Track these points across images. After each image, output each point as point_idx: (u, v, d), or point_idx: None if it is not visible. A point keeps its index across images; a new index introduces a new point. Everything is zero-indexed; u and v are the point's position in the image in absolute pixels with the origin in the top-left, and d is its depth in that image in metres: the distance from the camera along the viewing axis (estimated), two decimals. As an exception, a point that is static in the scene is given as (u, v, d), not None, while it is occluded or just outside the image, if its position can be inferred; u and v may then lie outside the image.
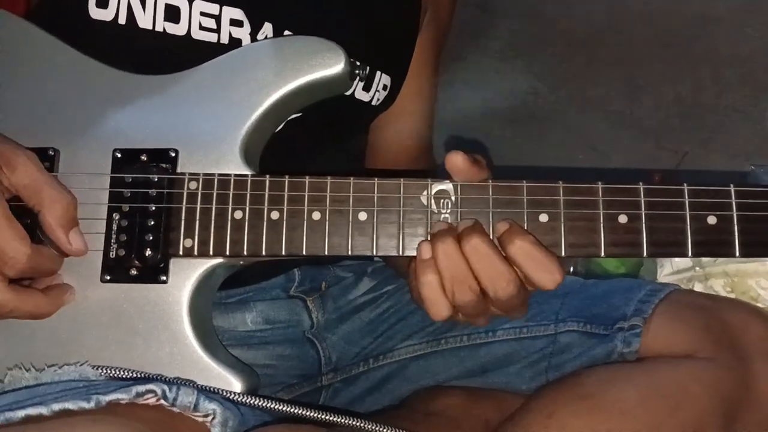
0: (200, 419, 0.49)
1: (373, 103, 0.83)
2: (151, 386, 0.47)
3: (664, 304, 0.76)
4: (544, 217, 0.60)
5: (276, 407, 0.55)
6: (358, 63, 0.68)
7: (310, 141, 0.79)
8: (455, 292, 0.58)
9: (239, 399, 0.53)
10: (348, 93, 0.80)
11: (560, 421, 0.69)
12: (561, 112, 1.60)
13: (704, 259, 1.01)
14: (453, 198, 0.61)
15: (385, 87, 0.84)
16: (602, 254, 0.59)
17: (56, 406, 0.45)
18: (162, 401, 0.48)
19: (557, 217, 0.60)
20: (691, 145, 1.38)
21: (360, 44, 0.67)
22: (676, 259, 1.01)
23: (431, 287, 0.58)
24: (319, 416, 0.54)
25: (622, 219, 0.59)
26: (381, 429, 0.59)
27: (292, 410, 0.54)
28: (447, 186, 0.61)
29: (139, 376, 0.58)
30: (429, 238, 0.60)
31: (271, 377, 0.79)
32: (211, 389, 0.52)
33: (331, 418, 0.56)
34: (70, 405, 0.45)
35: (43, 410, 0.44)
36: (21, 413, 0.44)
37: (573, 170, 1.47)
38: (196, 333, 0.63)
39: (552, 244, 0.59)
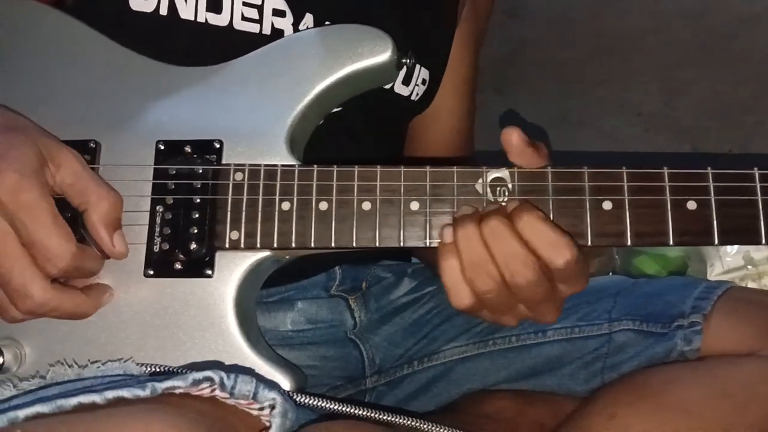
0: (255, 412, 0.47)
1: (413, 97, 0.81)
2: (208, 373, 0.45)
3: (722, 301, 0.73)
4: (607, 205, 0.57)
5: (333, 407, 0.52)
6: (404, 51, 0.66)
7: (350, 137, 0.77)
8: (474, 279, 0.55)
9: (298, 398, 0.51)
10: (387, 87, 0.78)
11: (623, 421, 0.66)
12: (594, 115, 1.57)
13: (756, 257, 0.97)
14: (510, 185, 0.58)
15: (424, 81, 0.82)
16: (671, 243, 0.56)
17: (110, 394, 0.42)
18: (218, 391, 0.45)
19: (622, 205, 0.57)
20: (729, 146, 1.34)
21: (399, 36, 0.65)
22: (728, 259, 0.98)
23: (451, 272, 0.56)
24: (379, 417, 0.51)
25: (691, 205, 0.56)
26: (439, 430, 0.56)
27: (350, 410, 0.51)
28: (503, 173, 0.59)
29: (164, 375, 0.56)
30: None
31: (315, 378, 0.76)
32: (269, 381, 0.49)
33: (389, 419, 0.53)
34: (125, 393, 0.42)
35: (96, 398, 0.42)
36: (73, 401, 0.42)
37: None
38: (243, 329, 0.61)
39: (617, 234, 0.56)
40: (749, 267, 0.97)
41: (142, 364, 0.56)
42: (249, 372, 0.48)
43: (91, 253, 0.58)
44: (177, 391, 0.45)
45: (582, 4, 1.58)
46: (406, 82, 0.79)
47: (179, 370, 0.55)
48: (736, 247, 0.99)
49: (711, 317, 0.71)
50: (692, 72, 1.50)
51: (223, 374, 0.45)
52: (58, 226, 0.55)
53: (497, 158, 0.60)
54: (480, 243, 0.55)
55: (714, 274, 1.00)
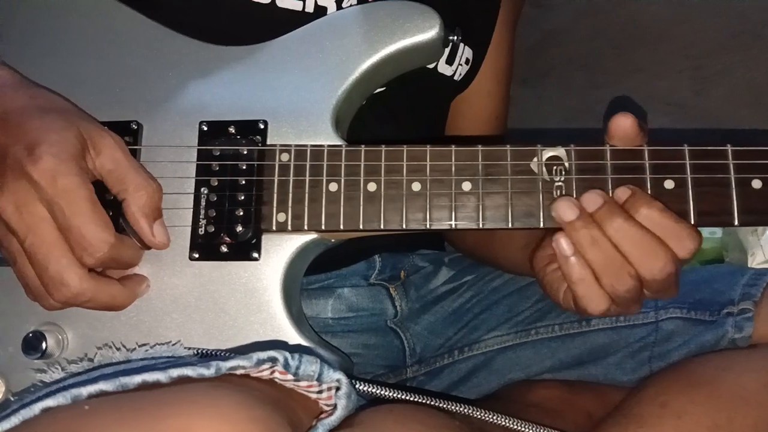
0: (314, 395, 0.45)
1: (455, 77, 0.80)
2: (273, 353, 0.43)
3: None
4: (669, 184, 0.55)
5: (390, 394, 0.50)
6: (451, 28, 0.64)
7: (392, 117, 0.76)
8: (613, 283, 0.53)
9: (362, 388, 0.49)
10: (431, 67, 0.77)
11: (676, 410, 0.64)
12: (622, 106, 1.54)
13: (801, 247, 0.94)
14: (566, 164, 0.57)
15: (467, 61, 0.80)
16: (736, 222, 0.54)
17: (174, 373, 0.41)
18: (277, 372, 0.43)
19: (684, 183, 0.55)
20: (765, 137, 1.32)
21: (445, 13, 0.63)
22: (771, 247, 0.95)
23: (584, 283, 0.53)
24: (437, 403, 0.50)
25: (756, 184, 0.54)
26: (494, 417, 0.55)
27: (409, 397, 0.49)
28: (559, 151, 0.57)
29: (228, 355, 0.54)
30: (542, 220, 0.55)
31: (357, 367, 0.75)
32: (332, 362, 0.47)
33: (447, 406, 0.51)
34: (189, 371, 0.41)
35: (160, 376, 0.41)
36: (137, 378, 0.40)
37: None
38: (289, 314, 0.59)
39: (679, 214, 0.54)
40: (793, 255, 0.95)
41: (191, 348, 0.55)
42: (311, 352, 0.46)
43: (129, 244, 0.57)
44: (238, 372, 0.43)
45: (609, -7, 1.56)
46: (450, 61, 0.77)
47: (225, 353, 0.54)
48: (779, 235, 0.96)
49: (761, 304, 0.69)
50: (724, 60, 1.47)
51: (287, 354, 0.44)
52: (97, 214, 0.53)
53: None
54: (610, 246, 0.52)
55: (756, 263, 0.98)
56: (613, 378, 0.75)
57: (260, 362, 0.43)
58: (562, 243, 0.54)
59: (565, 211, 0.54)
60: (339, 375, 0.44)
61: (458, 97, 0.86)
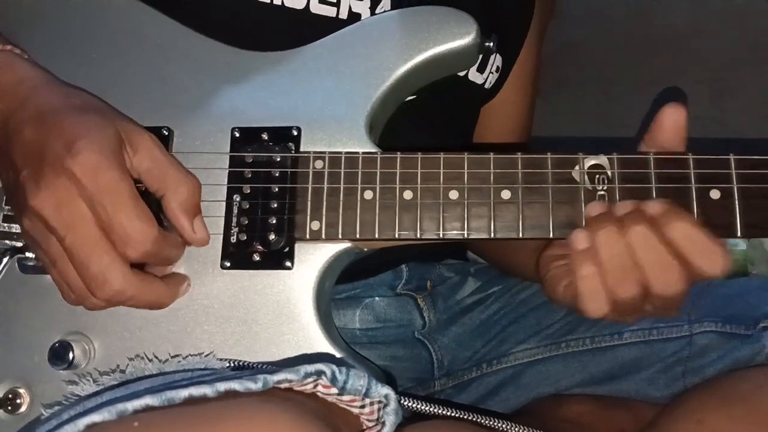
0: (356, 410, 0.44)
1: (486, 85, 0.79)
2: (320, 367, 0.41)
3: None
4: (715, 194, 0.54)
5: (432, 409, 0.49)
6: (487, 34, 0.63)
7: (424, 124, 0.75)
8: (618, 287, 0.52)
9: (407, 403, 0.47)
10: (462, 74, 0.76)
11: (713, 426, 0.62)
12: (638, 118, 1.53)
13: (830, 261, 0.93)
14: (609, 173, 0.55)
15: (498, 69, 0.79)
16: (785, 233, 0.53)
17: (222, 387, 0.39)
18: (321, 386, 0.42)
19: (730, 193, 0.53)
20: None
21: (479, 20, 0.62)
22: (800, 261, 0.94)
23: (591, 280, 0.52)
24: (481, 420, 0.48)
25: (806, 194, 0.53)
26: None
27: (452, 413, 0.48)
28: (602, 160, 0.56)
29: (266, 368, 0.53)
30: (583, 224, 0.54)
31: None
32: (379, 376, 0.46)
33: (490, 423, 0.50)
34: (236, 385, 0.39)
35: (207, 390, 0.39)
36: (184, 393, 0.39)
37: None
38: (322, 324, 0.58)
39: (726, 225, 0.53)
40: (823, 269, 0.93)
41: (223, 359, 0.53)
42: (356, 366, 0.45)
43: (172, 239, 0.56)
44: (284, 385, 0.42)
45: (625, 5, 1.55)
46: (481, 69, 0.76)
47: (264, 366, 0.52)
48: (807, 248, 0.95)
49: None
50: (741, 73, 1.46)
51: (335, 368, 0.42)
52: (140, 209, 0.52)
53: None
54: (624, 249, 0.51)
55: (785, 276, 0.96)
56: (646, 393, 0.73)
57: (307, 375, 0.41)
58: (580, 236, 0.52)
59: (594, 207, 0.54)
60: (387, 390, 0.43)
61: (484, 106, 0.85)
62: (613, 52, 1.56)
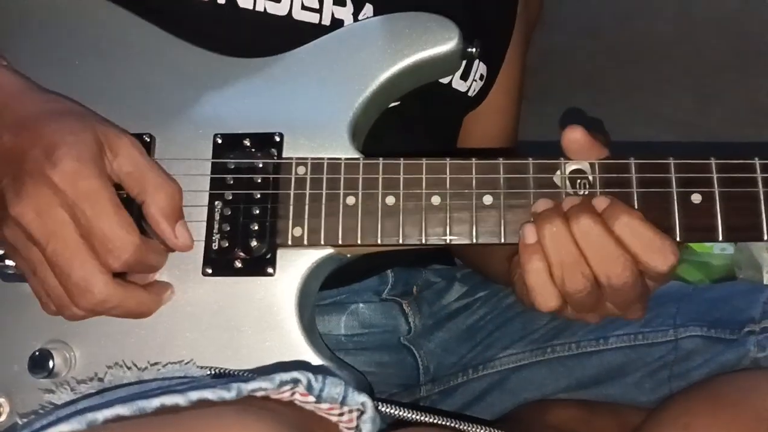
0: (335, 418, 0.43)
1: (470, 93, 0.79)
2: (296, 375, 0.41)
3: None
4: (696, 198, 0.54)
5: (413, 416, 0.48)
6: (469, 40, 0.63)
7: (407, 131, 0.74)
8: (565, 280, 0.52)
9: (384, 409, 0.47)
10: (445, 82, 0.76)
11: (699, 431, 0.62)
12: (625, 125, 1.54)
13: (815, 265, 0.93)
14: (590, 178, 0.55)
15: (481, 77, 0.79)
16: (765, 237, 0.53)
17: (194, 396, 0.39)
18: (298, 394, 0.41)
19: (712, 197, 0.53)
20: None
21: (462, 26, 0.62)
22: (785, 265, 0.94)
23: (538, 274, 0.53)
24: (462, 427, 0.48)
25: (786, 197, 0.53)
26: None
27: (433, 420, 0.48)
28: (583, 165, 0.56)
29: (241, 376, 0.53)
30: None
31: (371, 385, 0.73)
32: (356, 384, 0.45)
33: (470, 429, 0.50)
34: (209, 394, 0.39)
35: (179, 399, 0.39)
36: (155, 402, 0.38)
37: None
38: (305, 331, 0.57)
39: (707, 228, 0.53)
40: (808, 273, 0.94)
41: (204, 367, 0.53)
42: (332, 373, 0.44)
43: (154, 246, 0.55)
44: (259, 394, 0.41)
45: (611, 13, 1.56)
46: (464, 77, 0.77)
47: (243, 374, 0.52)
48: (792, 252, 0.96)
49: None
50: (726, 79, 1.48)
51: (311, 376, 0.42)
52: (121, 216, 0.52)
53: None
54: (571, 242, 0.51)
55: (770, 280, 0.97)
56: (632, 398, 0.73)
57: (282, 383, 0.41)
58: (527, 230, 0.53)
59: (542, 202, 0.54)
60: (364, 398, 0.42)
61: (470, 114, 0.85)
62: (600, 59, 1.57)
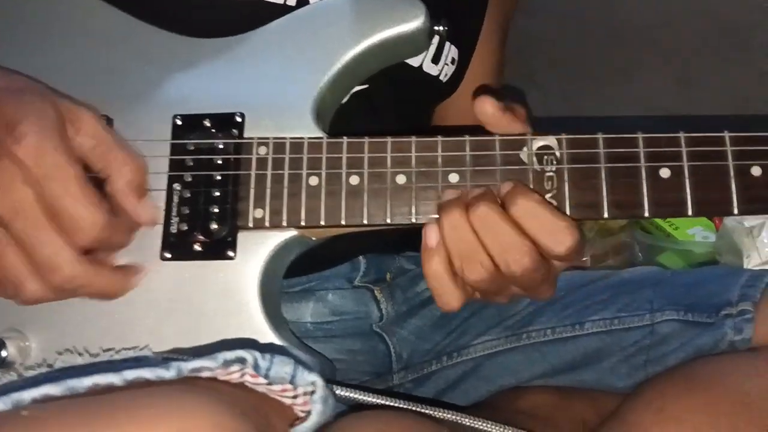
0: (289, 401, 0.42)
1: (441, 77, 0.77)
2: (241, 353, 0.39)
3: None
4: (665, 172, 0.52)
5: (373, 400, 0.47)
6: (437, 18, 0.62)
7: (376, 116, 0.73)
8: (464, 270, 0.51)
9: (334, 389, 0.46)
10: (416, 65, 0.74)
11: (674, 415, 0.61)
12: (608, 111, 1.53)
13: (796, 249, 0.93)
14: (557, 154, 0.54)
15: (453, 60, 0.78)
16: (735, 211, 0.52)
17: (130, 375, 0.37)
18: (248, 375, 0.40)
19: (681, 172, 0.52)
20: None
21: (429, 5, 0.61)
22: (766, 249, 0.93)
23: (437, 278, 0.52)
24: (421, 409, 0.47)
25: (756, 171, 0.52)
26: (483, 424, 0.51)
27: (393, 403, 0.46)
28: (550, 141, 0.54)
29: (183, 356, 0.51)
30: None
31: (340, 373, 0.71)
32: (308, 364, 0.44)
33: (432, 412, 0.48)
34: (146, 373, 0.37)
35: (114, 379, 0.37)
36: (87, 381, 0.37)
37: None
38: (268, 315, 0.56)
39: (677, 203, 0.52)
40: (789, 257, 0.93)
41: (159, 353, 0.51)
42: (285, 352, 0.43)
43: (121, 223, 0.54)
44: (204, 374, 0.40)
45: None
46: (435, 60, 0.75)
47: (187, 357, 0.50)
48: (773, 236, 0.95)
49: (761, 306, 0.67)
50: (708, 64, 1.47)
51: (257, 354, 0.40)
52: (87, 192, 0.50)
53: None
54: (469, 231, 0.50)
55: (752, 265, 0.96)
56: (608, 383, 0.72)
57: (227, 363, 0.39)
58: (429, 231, 0.52)
59: (447, 193, 0.53)
60: (314, 377, 0.41)
61: (446, 102, 0.83)
62: (581, 45, 1.56)
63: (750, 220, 0.96)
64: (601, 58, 1.58)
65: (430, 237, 0.52)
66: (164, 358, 0.40)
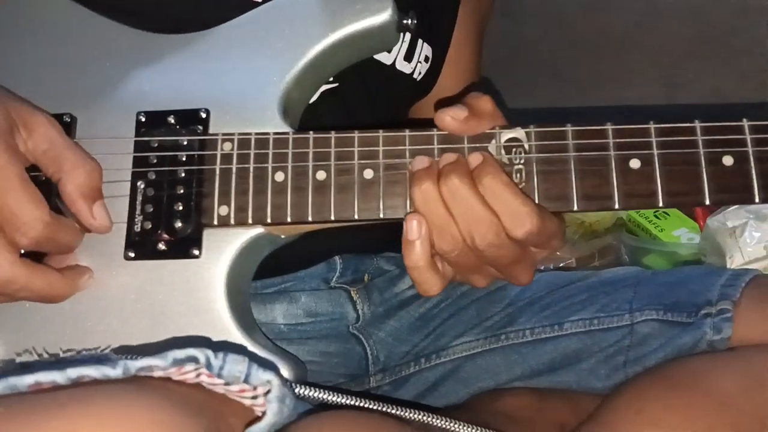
0: (248, 401, 0.40)
1: (415, 76, 0.76)
2: (192, 352, 0.38)
3: (750, 289, 0.68)
4: (635, 163, 0.52)
5: (340, 400, 0.46)
6: (404, 12, 0.61)
7: (348, 115, 0.72)
8: (436, 240, 0.51)
9: (300, 390, 0.44)
10: (388, 63, 0.73)
11: (652, 416, 0.59)
12: (594, 115, 1.53)
13: (779, 248, 0.92)
14: (526, 146, 0.53)
15: (426, 59, 0.77)
16: (707, 201, 0.51)
17: (73, 373, 0.36)
18: (204, 375, 0.39)
19: (651, 162, 0.51)
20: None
21: (400, 9, 0.60)
22: (749, 249, 0.93)
23: (418, 271, 0.52)
24: (391, 411, 0.45)
25: (727, 161, 0.51)
26: (454, 425, 0.50)
27: (360, 404, 0.45)
28: (519, 133, 0.54)
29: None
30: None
31: (315, 375, 0.70)
32: (265, 362, 0.43)
33: (402, 413, 0.47)
34: (91, 371, 0.36)
35: (57, 377, 0.36)
36: (29, 379, 0.35)
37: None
38: (235, 315, 0.54)
39: (647, 194, 0.51)
40: (772, 256, 0.92)
41: (120, 354, 0.50)
42: (240, 350, 0.42)
43: (66, 224, 0.52)
44: (156, 374, 0.38)
45: (578, 3, 1.55)
46: (408, 58, 0.74)
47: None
48: (756, 236, 0.94)
49: (740, 305, 0.66)
50: (693, 68, 1.47)
51: (209, 353, 0.39)
52: (29, 192, 0.49)
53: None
54: (440, 202, 0.50)
55: (734, 265, 0.95)
56: (587, 385, 0.70)
57: (178, 362, 0.38)
58: (411, 224, 0.51)
59: (417, 161, 0.53)
60: (270, 376, 0.40)
61: (422, 102, 0.83)
62: (568, 50, 1.56)
63: (733, 221, 0.95)
64: (587, 62, 1.58)
65: (411, 231, 0.51)
66: (110, 357, 0.39)
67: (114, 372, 0.37)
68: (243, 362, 0.39)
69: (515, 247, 0.51)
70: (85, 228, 0.54)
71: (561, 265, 1.19)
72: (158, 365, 0.38)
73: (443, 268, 0.53)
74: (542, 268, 1.13)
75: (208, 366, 0.38)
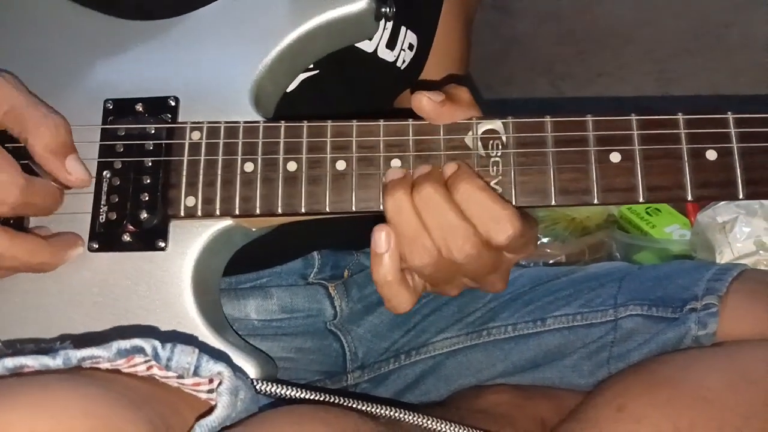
0: (204, 395, 0.39)
1: (398, 64, 0.74)
2: (137, 342, 0.37)
3: (737, 283, 0.66)
4: (615, 157, 0.50)
5: (306, 396, 0.44)
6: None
7: (328, 105, 0.70)
8: (407, 254, 0.49)
9: (262, 386, 0.43)
10: (370, 51, 0.72)
11: (634, 413, 0.58)
12: (589, 111, 1.51)
13: (769, 243, 0.90)
14: (504, 138, 0.51)
15: (411, 46, 0.75)
16: (689, 197, 0.49)
17: (10, 363, 0.34)
18: (155, 367, 0.37)
19: (632, 156, 0.50)
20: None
21: None
22: (738, 245, 0.91)
23: (387, 286, 0.49)
24: (359, 407, 0.44)
25: (711, 155, 0.49)
26: (426, 421, 0.49)
27: (327, 399, 0.43)
28: (496, 124, 0.52)
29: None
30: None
31: (289, 372, 0.68)
32: (217, 353, 0.41)
33: (370, 409, 0.45)
34: (29, 361, 0.34)
35: (-8, 368, 0.34)
36: (-38, 370, 0.34)
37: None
38: (202, 310, 0.53)
39: (628, 188, 0.49)
40: (761, 252, 0.90)
41: (82, 348, 0.48)
42: (192, 341, 0.40)
43: (42, 185, 0.51)
44: (103, 365, 0.37)
45: (572, -1, 1.54)
46: (391, 45, 0.72)
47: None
48: (746, 232, 0.92)
49: (726, 300, 0.65)
50: (688, 63, 1.45)
51: (156, 343, 0.37)
52: (0, 158, 0.47)
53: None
54: (413, 213, 0.48)
55: (724, 261, 0.93)
56: (570, 381, 0.69)
57: (123, 352, 0.36)
58: (378, 237, 0.49)
59: (390, 173, 0.51)
60: (220, 367, 0.38)
61: (408, 93, 0.81)
62: (561, 46, 1.55)
63: (723, 216, 0.94)
64: (581, 57, 1.56)
65: (379, 243, 0.49)
66: (52, 347, 0.38)
67: (53, 362, 0.35)
68: (192, 353, 0.38)
69: (492, 256, 0.49)
70: (64, 185, 0.52)
71: (551, 262, 1.18)
72: (102, 356, 0.36)
73: (413, 283, 0.51)
74: (531, 264, 1.12)
75: (156, 357, 0.37)
